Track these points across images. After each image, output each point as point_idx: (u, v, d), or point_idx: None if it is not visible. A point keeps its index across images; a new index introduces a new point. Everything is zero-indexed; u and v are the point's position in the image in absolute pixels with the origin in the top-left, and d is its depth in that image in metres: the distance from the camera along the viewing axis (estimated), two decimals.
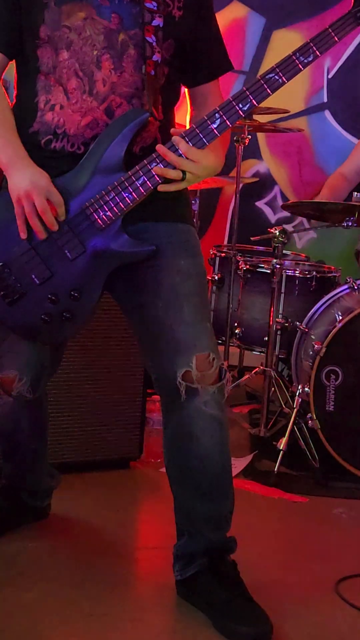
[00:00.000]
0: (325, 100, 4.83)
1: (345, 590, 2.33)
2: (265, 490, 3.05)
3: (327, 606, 2.26)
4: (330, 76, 4.82)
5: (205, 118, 1.98)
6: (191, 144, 1.97)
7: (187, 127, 2.06)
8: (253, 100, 2.00)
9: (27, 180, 2.03)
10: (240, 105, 2.00)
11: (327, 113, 4.83)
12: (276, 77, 1.99)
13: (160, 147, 1.98)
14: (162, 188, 2.02)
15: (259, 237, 3.96)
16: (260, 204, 4.88)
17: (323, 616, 2.21)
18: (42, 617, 2.09)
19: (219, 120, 1.99)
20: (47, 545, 2.47)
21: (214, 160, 2.06)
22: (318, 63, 4.74)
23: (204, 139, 1.98)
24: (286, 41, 4.53)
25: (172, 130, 2.05)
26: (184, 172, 1.98)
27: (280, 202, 4.85)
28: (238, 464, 3.19)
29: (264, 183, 4.87)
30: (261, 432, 3.49)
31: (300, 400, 3.19)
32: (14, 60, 2.19)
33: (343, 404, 3.13)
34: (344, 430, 3.14)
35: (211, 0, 2.25)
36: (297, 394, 3.21)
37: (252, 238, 4.10)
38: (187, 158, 1.96)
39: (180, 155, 1.96)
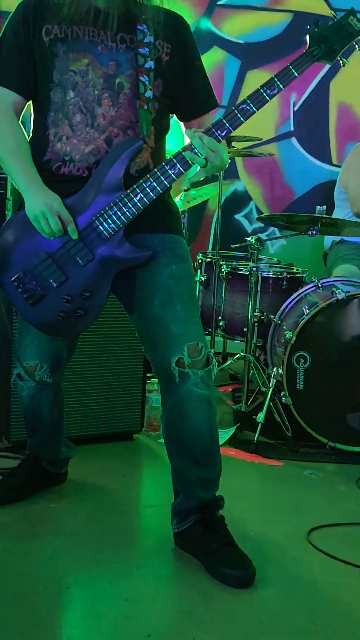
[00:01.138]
0: (292, 129, 4.83)
1: (315, 539, 2.35)
2: (246, 456, 3.06)
3: (301, 552, 2.27)
4: (295, 109, 4.82)
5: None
6: None
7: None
8: (230, 127, 2.02)
9: (41, 202, 2.04)
10: (219, 132, 2.02)
11: (293, 140, 4.84)
12: (247, 107, 2.03)
13: (198, 133, 1.99)
14: (192, 179, 2.08)
15: (238, 244, 3.98)
16: (238, 216, 4.88)
17: (297, 560, 2.22)
18: (62, 565, 2.10)
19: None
20: (66, 506, 2.48)
21: (226, 155, 2.05)
22: (285, 97, 4.76)
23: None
24: (258, 79, 4.44)
25: (193, 130, 2.04)
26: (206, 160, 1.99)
27: (255, 215, 4.86)
28: (223, 435, 3.19)
29: (242, 199, 4.88)
30: (242, 407, 3.50)
31: (274, 380, 3.19)
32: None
33: (311, 384, 3.14)
34: (312, 405, 3.14)
35: (195, 44, 2.24)
36: (272, 375, 3.21)
37: (232, 245, 4.13)
38: (207, 146, 1.97)
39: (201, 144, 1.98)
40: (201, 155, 1.98)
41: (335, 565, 2.19)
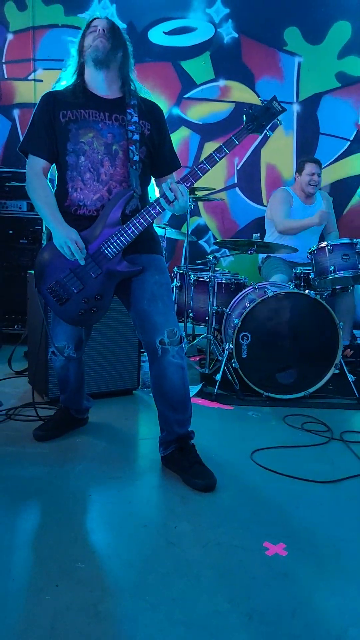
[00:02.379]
0: (236, 181, 4.82)
1: (256, 457, 2.36)
2: (209, 403, 3.06)
3: (247, 467, 2.28)
4: (238, 167, 4.81)
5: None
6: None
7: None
8: (192, 180, 2.02)
9: (64, 235, 2.03)
10: (185, 184, 2.02)
11: (237, 189, 4.83)
12: (204, 166, 2.03)
13: (164, 187, 1.98)
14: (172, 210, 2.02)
15: (201, 261, 3.97)
16: (201, 242, 4.87)
17: (244, 472, 2.23)
18: (85, 480, 2.10)
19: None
20: (87, 440, 2.47)
21: (187, 200, 2.03)
22: (231, 160, 4.75)
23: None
24: (212, 149, 4.54)
25: (169, 181, 2.02)
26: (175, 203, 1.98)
27: (212, 240, 4.85)
28: (193, 389, 3.19)
29: (203, 230, 4.86)
30: (206, 371, 3.51)
31: (227, 352, 3.20)
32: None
33: (251, 353, 3.14)
34: (253, 368, 3.15)
35: (166, 124, 2.24)
36: (225, 348, 3.22)
37: (197, 261, 4.11)
38: (179, 190, 1.97)
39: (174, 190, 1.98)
40: (172, 198, 1.98)
41: (270, 476, 2.21)
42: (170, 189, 1.97)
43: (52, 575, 1.54)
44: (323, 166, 4.24)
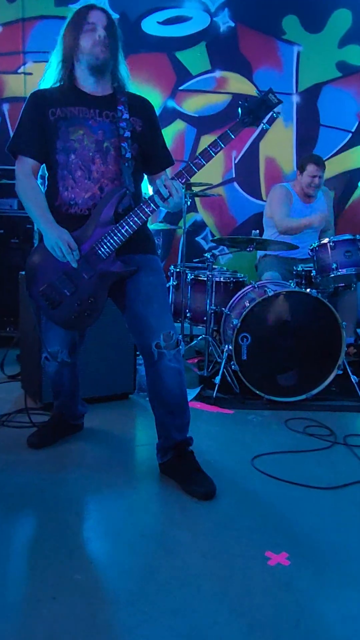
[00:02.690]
0: (234, 176, 4.83)
1: (257, 463, 2.37)
2: (208, 407, 3.06)
3: (247, 473, 2.29)
4: (236, 162, 4.82)
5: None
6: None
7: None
8: (187, 176, 2.02)
9: (55, 236, 2.04)
10: (180, 180, 2.02)
11: (235, 184, 4.84)
12: (199, 161, 2.02)
13: (159, 184, 1.98)
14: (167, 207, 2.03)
15: (198, 259, 3.98)
16: (198, 239, 4.88)
17: (244, 479, 2.24)
18: (81, 488, 2.11)
19: None
20: (83, 447, 2.48)
21: (182, 197, 2.03)
22: (228, 154, 4.76)
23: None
24: (209, 141, 4.56)
25: (164, 177, 2.04)
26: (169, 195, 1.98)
27: (210, 237, 4.86)
28: (192, 393, 3.20)
29: (200, 226, 4.87)
30: (204, 373, 3.52)
31: (226, 354, 3.21)
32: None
33: (251, 355, 3.15)
34: (253, 370, 3.15)
35: (157, 120, 2.25)
36: (225, 350, 3.23)
37: (194, 259, 4.12)
38: (174, 187, 1.97)
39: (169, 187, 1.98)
40: (166, 195, 1.98)
41: (271, 482, 2.22)
42: (164, 185, 1.98)
43: (48, 586, 1.56)
44: (324, 159, 4.25)
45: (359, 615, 1.50)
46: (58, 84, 2.14)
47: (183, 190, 2.02)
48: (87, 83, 2.12)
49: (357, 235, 3.28)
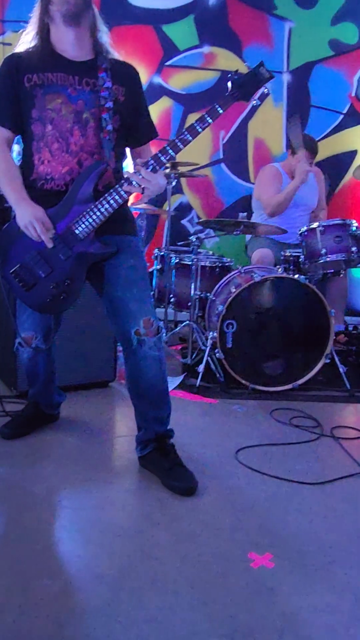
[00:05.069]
0: (222, 156, 4.70)
1: (241, 456, 2.29)
2: (191, 396, 2.98)
3: (231, 467, 2.21)
4: (224, 142, 4.68)
5: (149, 159, 1.89)
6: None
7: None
8: (172, 153, 1.90)
9: (28, 214, 1.91)
10: (164, 157, 1.90)
11: (222, 165, 4.71)
12: (184, 137, 1.90)
13: (130, 174, 1.88)
14: (136, 203, 1.93)
15: (183, 242, 3.86)
16: (184, 221, 4.75)
17: (228, 473, 2.16)
18: (56, 483, 2.01)
19: (151, 164, 1.88)
20: (58, 438, 2.38)
21: (162, 181, 1.91)
22: (216, 133, 4.62)
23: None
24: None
25: (137, 160, 1.93)
26: (143, 189, 1.88)
27: (195, 220, 4.73)
28: (175, 381, 3.11)
29: (185, 208, 4.74)
30: (188, 361, 3.42)
31: (211, 341, 3.11)
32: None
33: (237, 343, 3.06)
34: (238, 358, 3.07)
35: (142, 89, 2.11)
36: (209, 337, 3.13)
37: (179, 243, 4.00)
38: (145, 178, 1.86)
39: (141, 177, 1.87)
40: (139, 185, 1.87)
41: (256, 476, 2.14)
42: (137, 171, 1.87)
43: (14, 593, 1.45)
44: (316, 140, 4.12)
45: (346, 621, 1.41)
46: (37, 48, 1.98)
47: (159, 178, 1.89)
48: (65, 43, 1.96)
49: (347, 220, 3.18)
